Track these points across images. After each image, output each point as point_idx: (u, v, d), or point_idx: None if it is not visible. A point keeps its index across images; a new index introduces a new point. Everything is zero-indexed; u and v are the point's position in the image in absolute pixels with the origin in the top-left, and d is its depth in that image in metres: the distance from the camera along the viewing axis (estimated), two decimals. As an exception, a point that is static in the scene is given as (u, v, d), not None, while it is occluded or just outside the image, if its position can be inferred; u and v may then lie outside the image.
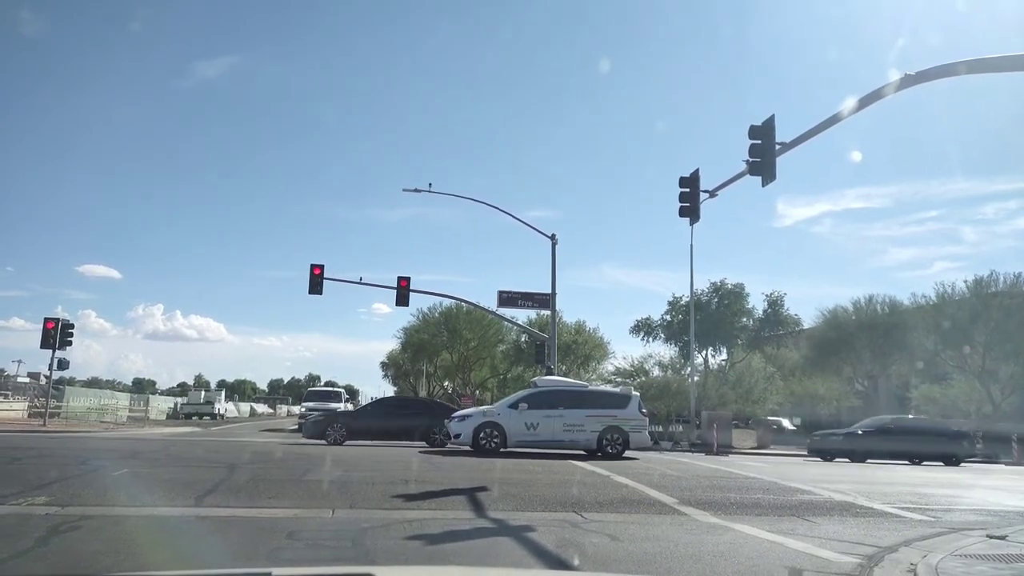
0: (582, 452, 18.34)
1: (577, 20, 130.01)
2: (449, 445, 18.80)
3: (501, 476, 12.22)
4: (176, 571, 5.51)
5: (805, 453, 26.05)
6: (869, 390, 40.72)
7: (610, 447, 18.10)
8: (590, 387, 22.03)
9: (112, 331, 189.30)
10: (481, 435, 17.75)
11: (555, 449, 18.35)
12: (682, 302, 40.35)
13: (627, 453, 18.35)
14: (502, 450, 17.68)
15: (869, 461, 22.44)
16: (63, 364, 28.39)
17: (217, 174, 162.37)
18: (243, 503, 8.04)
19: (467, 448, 17.84)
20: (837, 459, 22.77)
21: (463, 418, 18.81)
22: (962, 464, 22.97)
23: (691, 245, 30.15)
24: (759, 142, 12.90)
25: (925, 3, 73.65)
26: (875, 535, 7.60)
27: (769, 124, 12.91)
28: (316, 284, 27.60)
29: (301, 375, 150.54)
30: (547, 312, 31.91)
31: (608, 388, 23.62)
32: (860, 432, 24.11)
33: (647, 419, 19.65)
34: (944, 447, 23.56)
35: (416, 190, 28.82)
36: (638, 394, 20.48)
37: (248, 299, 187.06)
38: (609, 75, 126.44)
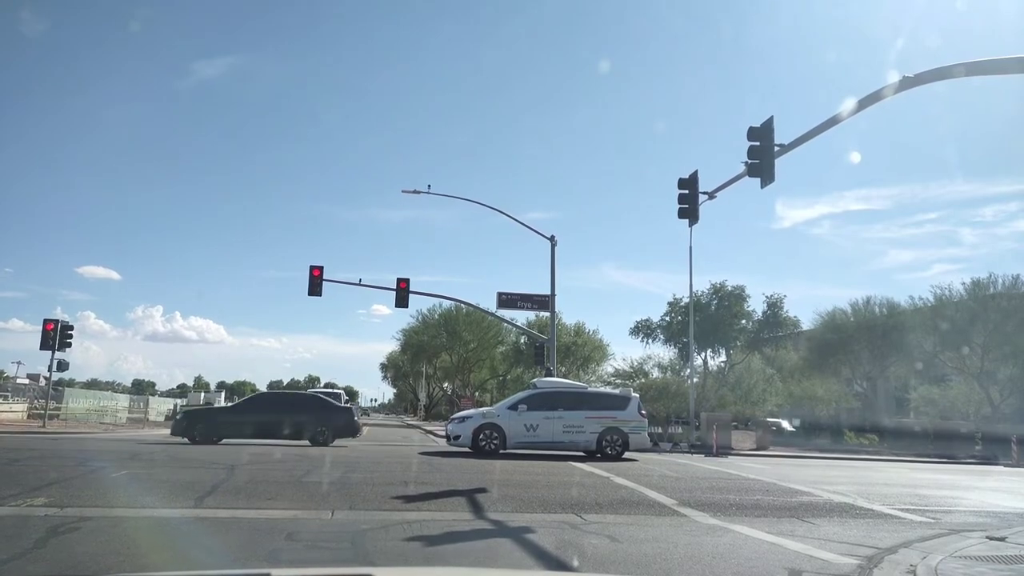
0: (581, 453, 18.33)
1: (577, 20, 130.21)
2: (449, 447, 18.77)
3: (500, 478, 12.21)
4: (175, 572, 5.51)
5: (805, 455, 26.04)
6: (868, 391, 40.72)
7: (609, 448, 18.09)
8: (589, 389, 21.98)
9: (111, 332, 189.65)
10: (481, 437, 17.73)
11: (555, 451, 18.34)
12: (681, 303, 40.34)
13: (626, 454, 18.35)
14: (501, 452, 17.67)
15: (225, 442, 18.76)
16: (62, 366, 28.36)
17: (217, 175, 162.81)
18: (242, 504, 8.04)
19: (467, 449, 17.82)
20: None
21: (462, 420, 18.77)
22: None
23: (690, 247, 30.22)
24: (758, 144, 12.92)
25: (924, 4, 73.86)
26: (875, 536, 7.61)
27: (768, 126, 12.92)
28: (315, 286, 27.62)
29: (300, 376, 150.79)
30: (546, 314, 31.91)
31: (607, 390, 23.62)
32: (227, 408, 20.61)
33: (646, 420, 19.63)
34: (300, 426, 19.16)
35: (415, 191, 28.83)
36: (637, 395, 20.46)
37: (247, 300, 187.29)
38: (609, 75, 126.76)
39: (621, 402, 19.06)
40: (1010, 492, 14.32)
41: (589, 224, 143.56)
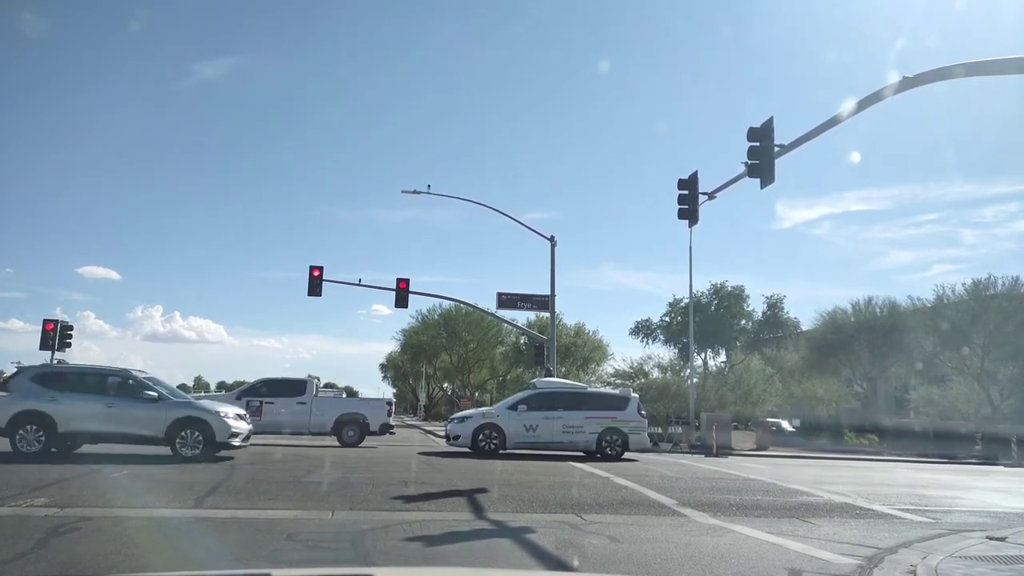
0: (581, 453, 18.33)
1: (577, 20, 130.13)
2: (448, 447, 18.76)
3: (501, 478, 12.21)
4: (176, 572, 5.50)
5: (804, 455, 26.02)
6: (868, 392, 40.71)
7: (609, 448, 18.10)
8: (589, 389, 21.98)
9: (111, 332, 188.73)
10: (480, 437, 17.74)
11: (554, 451, 18.34)
12: (681, 304, 40.37)
13: (626, 454, 18.35)
14: (501, 452, 17.67)
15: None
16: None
17: (217, 175, 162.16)
18: (242, 504, 8.04)
19: (467, 449, 17.83)
20: None
21: (462, 420, 18.77)
22: None
23: (690, 247, 30.25)
24: (758, 144, 12.90)
25: (924, 5, 73.85)
26: (875, 536, 7.61)
27: (768, 126, 12.91)
28: (315, 286, 27.61)
29: (300, 376, 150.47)
30: (547, 314, 31.91)
31: (607, 390, 23.65)
32: None
33: (646, 421, 19.63)
34: None
35: (415, 192, 28.81)
36: (637, 396, 20.44)
37: (247, 300, 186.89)
38: (609, 75, 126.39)
39: (621, 402, 19.07)
40: (1010, 492, 14.33)
41: (589, 224, 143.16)
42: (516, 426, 17.98)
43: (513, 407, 18.49)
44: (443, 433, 21.69)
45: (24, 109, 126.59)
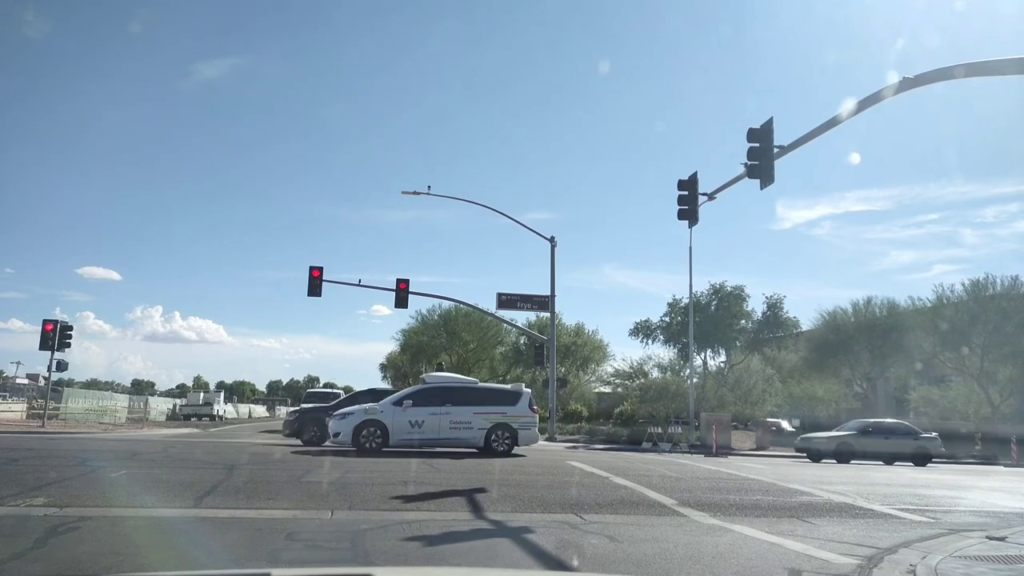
0: (474, 450, 17.69)
1: (577, 20, 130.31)
2: (328, 444, 17.92)
3: (500, 478, 12.20)
4: (176, 572, 5.50)
5: (804, 455, 26.02)
6: (868, 392, 40.72)
7: (498, 444, 17.51)
8: (480, 384, 20.89)
9: (111, 333, 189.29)
10: (363, 434, 17.02)
11: (441, 447, 17.70)
12: (681, 304, 40.34)
13: (515, 450, 17.75)
14: (384, 449, 17.01)
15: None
16: (62, 366, 28.32)
17: (217, 175, 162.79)
18: (242, 504, 8.03)
19: (349, 448, 17.02)
20: None
21: (344, 416, 17.85)
22: None
23: (690, 248, 30.36)
24: (758, 145, 12.92)
25: (924, 5, 73.94)
26: (874, 536, 7.61)
27: (768, 127, 12.93)
28: (315, 286, 27.68)
29: (300, 376, 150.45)
30: (546, 314, 31.94)
31: (499, 385, 23.10)
32: None
33: (537, 416, 18.96)
34: None
35: (415, 192, 28.87)
36: (529, 391, 19.54)
37: (247, 300, 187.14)
38: (609, 76, 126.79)
39: (512, 397, 18.48)
40: (1010, 492, 14.33)
41: (589, 225, 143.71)
42: (400, 422, 17.25)
43: (398, 403, 17.73)
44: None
45: (24, 109, 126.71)
